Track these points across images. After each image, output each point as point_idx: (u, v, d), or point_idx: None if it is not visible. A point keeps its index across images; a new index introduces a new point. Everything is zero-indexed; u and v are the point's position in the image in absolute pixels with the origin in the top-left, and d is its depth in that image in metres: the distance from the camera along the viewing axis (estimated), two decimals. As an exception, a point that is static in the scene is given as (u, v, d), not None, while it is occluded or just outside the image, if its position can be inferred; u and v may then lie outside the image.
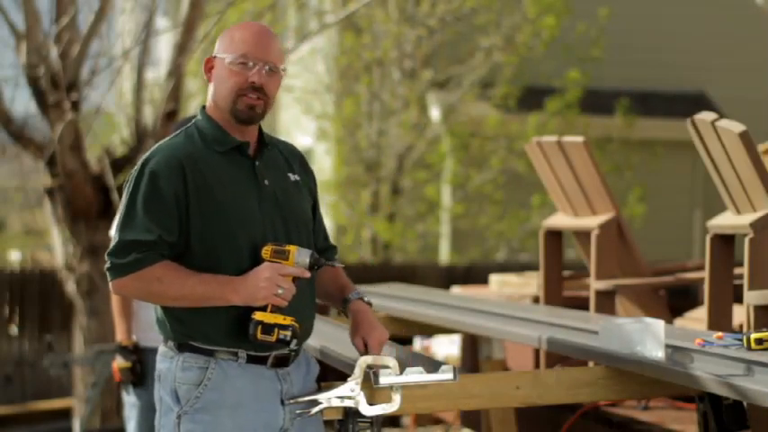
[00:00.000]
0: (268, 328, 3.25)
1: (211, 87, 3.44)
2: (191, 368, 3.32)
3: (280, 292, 3.25)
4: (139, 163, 3.36)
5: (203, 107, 3.47)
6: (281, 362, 3.36)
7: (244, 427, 3.31)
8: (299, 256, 3.29)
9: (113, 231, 5.62)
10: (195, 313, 3.30)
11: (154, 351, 5.60)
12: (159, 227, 3.27)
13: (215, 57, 3.44)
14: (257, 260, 3.30)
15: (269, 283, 3.25)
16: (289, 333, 3.26)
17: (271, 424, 3.35)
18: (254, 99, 3.37)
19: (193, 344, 3.32)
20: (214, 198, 3.31)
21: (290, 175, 3.48)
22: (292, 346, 3.31)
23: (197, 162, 3.33)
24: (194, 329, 3.32)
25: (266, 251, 3.29)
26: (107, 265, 3.30)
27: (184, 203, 3.29)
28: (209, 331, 3.31)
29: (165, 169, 3.30)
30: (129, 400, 5.73)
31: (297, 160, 3.55)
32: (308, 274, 3.31)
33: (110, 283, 3.34)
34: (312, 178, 3.58)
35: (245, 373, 3.32)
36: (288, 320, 3.27)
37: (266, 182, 3.39)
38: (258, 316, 3.26)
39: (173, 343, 3.35)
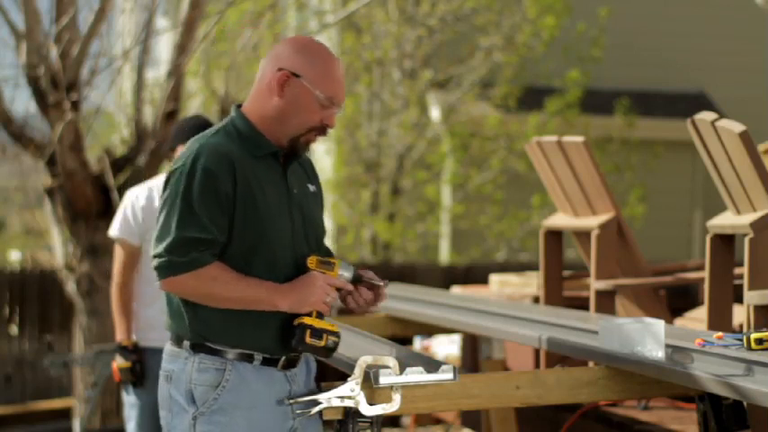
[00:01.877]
0: (317, 333, 3.30)
1: (277, 101, 3.36)
2: (207, 370, 3.32)
3: (328, 300, 3.30)
4: (186, 158, 3.30)
5: (238, 106, 3.44)
6: (291, 364, 3.40)
7: (257, 428, 3.33)
8: (343, 270, 3.36)
9: (114, 232, 5.66)
10: (223, 314, 3.31)
11: (154, 351, 5.67)
12: (215, 226, 3.26)
13: (297, 76, 3.35)
14: (286, 266, 3.33)
15: (321, 291, 3.30)
16: (337, 339, 3.33)
17: (282, 425, 3.37)
18: (316, 138, 3.40)
19: (210, 345, 3.32)
20: (255, 202, 3.32)
21: (309, 185, 3.51)
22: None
23: (242, 164, 3.32)
24: (214, 330, 3.32)
25: (312, 261, 3.35)
26: (162, 261, 3.25)
27: (232, 204, 3.29)
28: (231, 332, 3.31)
29: (218, 168, 3.27)
30: (129, 400, 5.73)
31: (312, 170, 3.57)
32: (350, 287, 3.37)
33: (162, 281, 3.28)
34: (321, 188, 3.60)
35: (258, 374, 3.34)
36: (335, 327, 3.33)
37: (295, 190, 3.42)
38: (307, 320, 3.30)
39: (188, 343, 3.34)
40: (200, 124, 5.74)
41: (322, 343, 3.30)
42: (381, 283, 3.43)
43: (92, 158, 8.56)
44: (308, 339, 3.29)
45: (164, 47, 15.05)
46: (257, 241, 3.30)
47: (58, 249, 8.76)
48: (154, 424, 5.67)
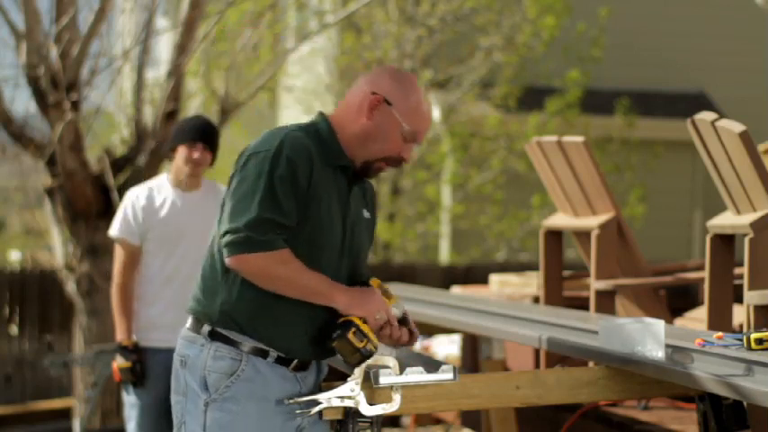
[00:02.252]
0: (361, 334, 3.33)
1: (364, 122, 3.41)
2: (223, 358, 3.35)
3: (378, 316, 3.35)
4: (271, 144, 3.32)
5: (322, 113, 3.48)
6: (302, 366, 3.42)
7: (267, 421, 3.37)
8: (396, 306, 3.43)
9: (114, 232, 5.65)
10: (259, 305, 3.34)
11: (154, 351, 5.67)
12: (291, 213, 3.30)
13: (389, 104, 3.41)
14: (326, 274, 3.37)
15: (378, 304, 3.36)
16: (373, 350, 3.35)
17: (291, 422, 3.40)
18: (387, 168, 3.46)
19: (227, 335, 3.35)
20: (320, 203, 3.36)
21: (365, 210, 3.54)
22: (368, 362, 3.36)
23: (317, 165, 3.36)
24: (242, 318, 3.34)
25: (375, 282, 3.43)
26: (240, 236, 3.26)
27: (302, 198, 3.33)
28: (258, 325, 3.34)
29: (299, 160, 3.31)
30: (129, 400, 5.73)
31: (372, 199, 3.60)
32: (395, 323, 3.40)
33: (232, 257, 3.28)
34: (375, 219, 3.64)
35: (271, 371, 3.37)
36: (375, 341, 3.36)
37: (351, 209, 3.46)
38: (356, 320, 3.33)
39: (206, 329, 3.37)
40: (201, 124, 5.74)
41: (361, 345, 3.32)
42: (416, 331, 3.50)
43: (92, 158, 8.56)
44: (351, 336, 3.31)
45: (164, 47, 15.05)
46: (310, 242, 3.35)
47: (58, 249, 8.76)
48: (154, 424, 5.68)
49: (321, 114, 3.49)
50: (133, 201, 5.73)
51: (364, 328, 3.34)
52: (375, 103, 3.41)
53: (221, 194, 5.82)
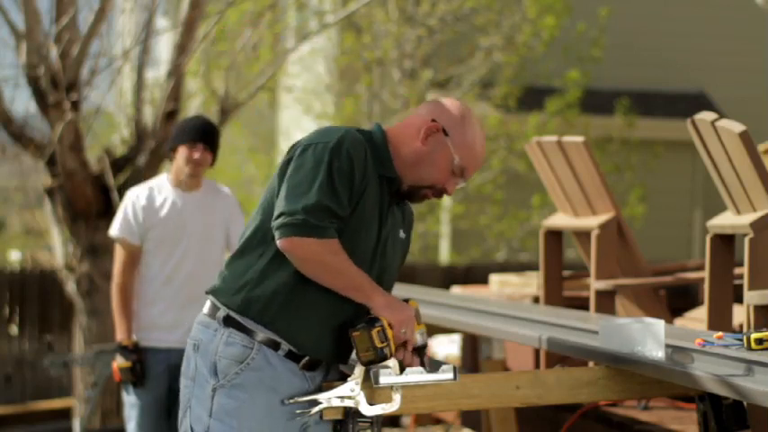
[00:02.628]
0: (383, 337, 3.33)
1: (418, 146, 3.44)
2: (234, 344, 3.36)
3: (404, 330, 3.35)
4: (331, 136, 3.34)
5: (379, 125, 3.50)
6: (312, 366, 3.42)
7: (274, 411, 3.37)
8: (421, 333, 3.43)
9: (114, 231, 5.65)
10: (285, 296, 3.34)
11: (154, 351, 5.67)
12: (346, 205, 3.32)
13: (446, 134, 3.44)
14: None
15: (410, 318, 3.37)
16: (388, 357, 3.34)
17: (296, 419, 3.40)
18: (431, 197, 3.49)
19: (241, 321, 3.36)
20: (364, 204, 3.38)
21: (401, 230, 3.56)
22: (377, 364, 3.36)
23: (371, 168, 3.39)
24: (262, 304, 3.34)
25: (413, 303, 3.44)
26: (297, 218, 3.25)
27: (354, 196, 3.35)
28: (279, 315, 3.34)
29: (357, 157, 3.34)
30: (129, 400, 5.73)
31: (409, 221, 3.62)
32: (410, 348, 3.40)
33: (286, 238, 3.28)
34: (410, 240, 3.66)
35: (282, 364, 3.38)
36: (393, 349, 3.35)
37: (389, 223, 3.47)
38: (384, 321, 3.33)
39: (222, 314, 3.38)
40: (201, 124, 5.74)
41: (380, 345, 3.31)
42: (427, 365, 3.51)
43: (92, 158, 8.56)
44: (374, 333, 3.31)
45: (164, 47, 15.06)
46: (345, 241, 3.35)
47: (58, 249, 8.76)
48: (154, 424, 5.68)
49: (378, 125, 3.52)
50: (133, 200, 5.73)
51: (389, 332, 3.34)
52: (432, 130, 3.45)
53: (221, 195, 5.85)
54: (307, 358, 3.40)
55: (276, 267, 3.36)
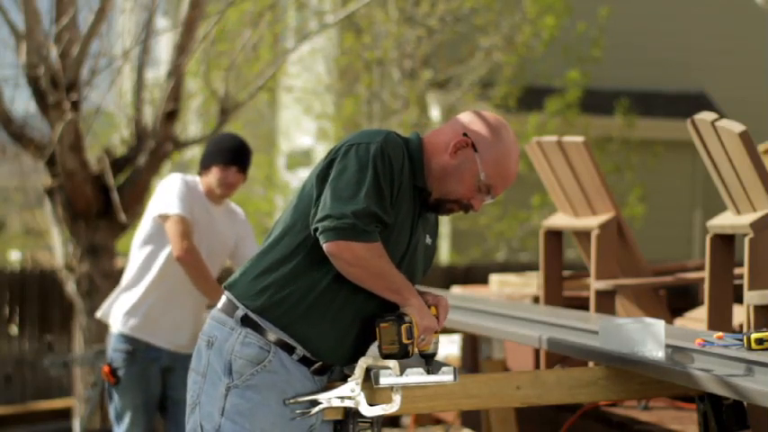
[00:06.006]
0: (410, 334, 3.34)
1: (446, 159, 3.42)
2: (251, 345, 3.36)
3: (423, 336, 3.39)
4: (373, 139, 3.34)
5: (417, 133, 3.49)
6: (323, 370, 3.43)
7: (285, 414, 3.37)
8: (435, 342, 3.48)
9: (174, 209, 5.43)
10: (309, 301, 3.34)
11: (152, 349, 5.65)
12: (389, 211, 3.32)
13: (475, 150, 3.43)
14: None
15: (433, 326, 3.41)
16: (409, 355, 3.35)
17: (306, 420, 3.40)
18: (456, 211, 3.48)
19: (259, 322, 3.35)
20: (399, 209, 3.38)
21: (429, 237, 3.56)
22: (396, 360, 3.36)
23: (407, 175, 3.39)
24: (284, 307, 3.34)
25: (434, 311, 3.45)
26: (346, 222, 3.25)
27: (393, 201, 3.35)
28: (299, 318, 3.34)
29: (397, 162, 3.33)
30: (123, 401, 5.70)
31: (435, 228, 3.62)
32: (422, 349, 3.43)
33: (333, 241, 3.26)
34: (436, 247, 3.65)
35: (295, 368, 3.38)
36: (416, 349, 3.38)
37: (418, 231, 3.47)
38: (414, 319, 3.34)
39: (240, 313, 3.37)
40: (237, 147, 5.64)
41: (406, 341, 3.32)
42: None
43: (92, 158, 8.56)
44: (403, 328, 3.32)
45: (164, 47, 15.06)
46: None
47: (58, 249, 8.76)
48: (147, 424, 5.66)
49: (416, 133, 3.50)
50: (187, 182, 5.58)
51: (416, 331, 3.35)
52: (462, 145, 3.43)
53: (236, 213, 5.79)
54: (319, 363, 3.41)
55: (304, 271, 3.35)
